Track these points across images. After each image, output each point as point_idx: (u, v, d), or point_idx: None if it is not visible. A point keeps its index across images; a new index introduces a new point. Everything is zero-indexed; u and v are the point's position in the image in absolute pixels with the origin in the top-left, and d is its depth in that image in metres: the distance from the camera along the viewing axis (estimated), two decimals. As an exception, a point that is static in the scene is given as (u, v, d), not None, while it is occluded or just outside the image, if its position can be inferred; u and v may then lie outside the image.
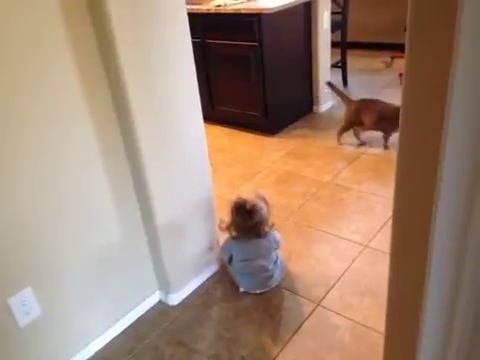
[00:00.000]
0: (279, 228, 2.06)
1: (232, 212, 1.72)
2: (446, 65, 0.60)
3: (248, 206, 1.67)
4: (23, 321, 1.35)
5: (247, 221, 1.69)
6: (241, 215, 1.69)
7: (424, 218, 0.71)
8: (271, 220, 1.78)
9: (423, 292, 0.78)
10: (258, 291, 1.76)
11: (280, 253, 1.83)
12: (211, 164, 1.78)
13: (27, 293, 1.33)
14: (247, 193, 1.81)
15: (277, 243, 1.78)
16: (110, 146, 1.46)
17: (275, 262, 1.77)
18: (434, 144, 0.65)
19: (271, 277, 1.75)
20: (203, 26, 3.03)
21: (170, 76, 1.49)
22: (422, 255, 0.75)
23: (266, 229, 1.73)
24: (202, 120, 1.67)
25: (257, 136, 3.19)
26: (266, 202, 1.76)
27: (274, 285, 1.77)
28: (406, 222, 0.76)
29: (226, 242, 1.82)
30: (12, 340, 1.34)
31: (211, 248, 1.85)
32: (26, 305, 1.34)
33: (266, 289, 1.76)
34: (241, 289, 1.78)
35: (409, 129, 0.69)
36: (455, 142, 0.64)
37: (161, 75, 1.45)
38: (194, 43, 1.54)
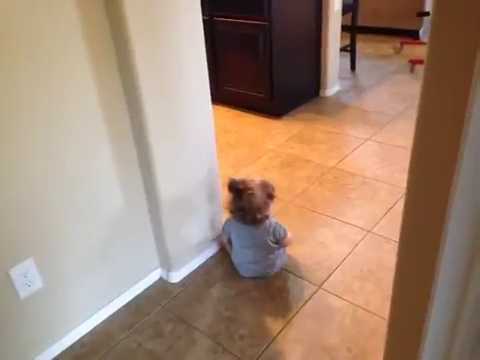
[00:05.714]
0: (282, 211, 2.04)
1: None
2: (472, 55, 0.56)
3: (240, 186, 1.64)
4: (24, 293, 1.34)
5: (236, 201, 1.67)
6: (232, 192, 1.67)
7: (438, 209, 0.68)
8: (270, 211, 1.71)
9: (432, 283, 0.76)
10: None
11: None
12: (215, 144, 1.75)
13: (28, 264, 1.32)
14: (255, 175, 1.77)
15: (276, 236, 1.70)
16: (115, 120, 1.43)
17: (275, 252, 1.71)
18: (453, 139, 0.61)
19: (269, 266, 1.72)
20: (211, 3, 2.96)
21: (180, 53, 1.45)
22: (433, 246, 0.72)
23: (258, 217, 1.65)
24: (210, 99, 1.64)
25: (262, 118, 3.15)
26: (268, 192, 1.69)
27: (273, 273, 1.74)
28: (418, 210, 0.73)
29: (225, 223, 1.81)
30: (12, 312, 1.34)
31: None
32: (27, 277, 1.33)
33: (263, 276, 1.73)
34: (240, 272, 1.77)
35: (426, 121, 0.65)
36: (476, 139, 0.61)
37: (170, 52, 1.42)
38: (202, 21, 1.49)
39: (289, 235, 1.76)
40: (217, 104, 3.15)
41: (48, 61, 1.21)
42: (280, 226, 1.73)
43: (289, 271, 1.77)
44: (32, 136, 1.24)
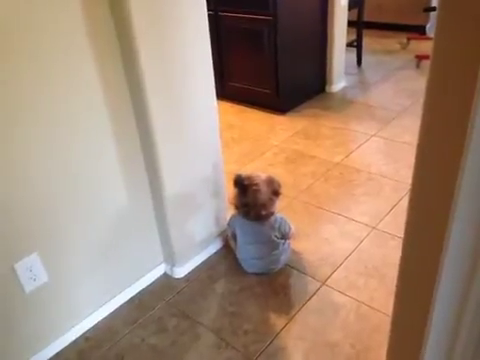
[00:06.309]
0: (287, 207, 2.04)
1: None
2: (478, 51, 0.55)
3: (245, 182, 1.64)
4: (29, 287, 1.35)
5: (241, 196, 1.66)
6: (237, 188, 1.67)
7: (443, 205, 0.68)
8: (275, 207, 1.70)
9: (436, 279, 0.75)
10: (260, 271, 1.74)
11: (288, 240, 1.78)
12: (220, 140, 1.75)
13: (33, 259, 1.33)
14: (260, 171, 1.77)
15: (281, 231, 1.70)
16: (120, 118, 1.43)
17: (279, 247, 1.70)
18: (458, 135, 0.61)
19: (273, 262, 1.71)
20: (216, -2, 2.96)
21: (185, 51, 1.45)
22: (438, 242, 0.72)
23: (262, 213, 1.64)
24: (215, 95, 1.63)
25: (267, 114, 3.14)
26: (274, 188, 1.67)
27: (277, 269, 1.74)
28: (423, 207, 0.73)
29: (231, 218, 1.80)
30: (17, 305, 1.35)
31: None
32: (32, 271, 1.34)
33: (267, 271, 1.73)
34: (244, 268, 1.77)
35: (432, 117, 0.64)
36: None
37: (176, 50, 1.41)
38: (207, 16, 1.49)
39: (293, 229, 1.76)
40: (221, 99, 3.13)
41: (52, 61, 1.21)
42: (285, 221, 1.72)
43: (293, 267, 1.77)
44: (36, 136, 1.24)
